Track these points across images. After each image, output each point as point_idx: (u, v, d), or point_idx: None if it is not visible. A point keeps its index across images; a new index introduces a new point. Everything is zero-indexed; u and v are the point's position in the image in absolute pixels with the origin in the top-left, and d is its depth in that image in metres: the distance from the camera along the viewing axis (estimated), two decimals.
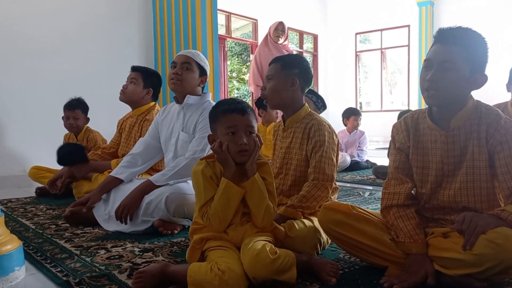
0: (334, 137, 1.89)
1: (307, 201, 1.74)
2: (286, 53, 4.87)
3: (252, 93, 6.15)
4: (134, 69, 3.00)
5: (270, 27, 5.07)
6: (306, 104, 1.96)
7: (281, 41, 4.88)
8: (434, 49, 1.43)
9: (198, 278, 1.30)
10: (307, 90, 2.01)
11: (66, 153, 2.81)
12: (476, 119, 1.43)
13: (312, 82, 2.03)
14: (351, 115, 5.47)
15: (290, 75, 1.88)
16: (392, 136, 1.64)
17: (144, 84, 2.94)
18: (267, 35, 5.04)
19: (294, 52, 5.16)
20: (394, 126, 1.64)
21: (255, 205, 1.49)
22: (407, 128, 1.57)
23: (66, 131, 3.69)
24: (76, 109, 3.49)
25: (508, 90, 3.24)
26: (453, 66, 1.37)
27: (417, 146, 1.54)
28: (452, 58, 1.37)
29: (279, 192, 1.90)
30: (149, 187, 2.17)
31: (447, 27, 1.43)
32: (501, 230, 1.24)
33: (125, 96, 2.97)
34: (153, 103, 3.03)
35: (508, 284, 1.39)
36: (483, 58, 1.41)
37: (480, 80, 1.41)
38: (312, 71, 2.03)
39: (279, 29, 4.85)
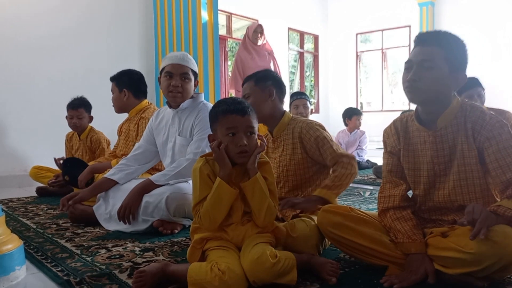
0: (325, 129, 1.95)
1: (339, 180, 1.76)
2: (266, 53, 4.80)
3: None
4: (110, 79, 3.02)
5: (248, 29, 4.90)
6: (287, 111, 2.02)
7: (260, 42, 4.79)
8: (414, 51, 1.48)
9: (198, 278, 1.30)
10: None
11: (76, 175, 2.83)
12: (462, 117, 1.45)
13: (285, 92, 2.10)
14: (353, 114, 5.47)
15: (265, 87, 1.95)
16: (384, 141, 1.67)
17: (119, 89, 2.94)
18: (245, 38, 4.87)
19: (273, 48, 5.03)
20: (385, 131, 1.67)
21: (257, 205, 1.49)
22: (397, 132, 1.60)
23: (67, 131, 3.70)
24: (79, 108, 3.49)
25: None
26: (432, 65, 1.41)
27: (408, 148, 1.57)
28: (431, 57, 1.42)
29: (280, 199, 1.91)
30: (149, 186, 2.16)
31: (426, 31, 1.50)
32: (499, 228, 1.25)
33: (114, 107, 3.02)
34: (145, 101, 3.01)
35: (508, 284, 1.39)
36: (462, 58, 1.45)
37: (460, 79, 1.45)
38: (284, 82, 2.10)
39: (258, 31, 4.75)
